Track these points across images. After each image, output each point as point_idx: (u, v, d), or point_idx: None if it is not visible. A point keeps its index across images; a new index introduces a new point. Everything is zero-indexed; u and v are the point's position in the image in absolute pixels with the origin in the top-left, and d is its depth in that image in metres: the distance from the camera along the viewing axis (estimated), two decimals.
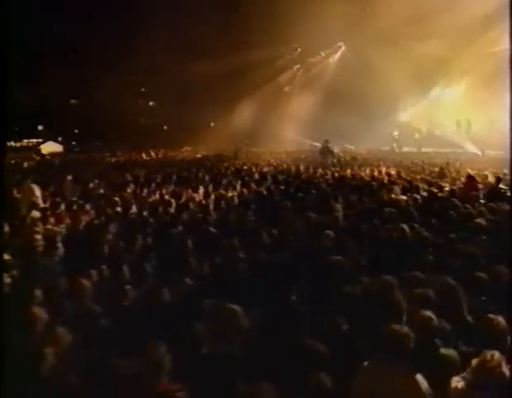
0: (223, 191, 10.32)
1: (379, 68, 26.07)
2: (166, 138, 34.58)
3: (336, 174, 12.68)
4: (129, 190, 11.29)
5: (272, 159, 18.47)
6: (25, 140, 37.32)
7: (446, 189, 9.49)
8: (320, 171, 14.10)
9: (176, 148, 30.31)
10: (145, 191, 11.19)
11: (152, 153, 24.04)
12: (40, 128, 41.18)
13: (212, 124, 37.61)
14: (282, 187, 10.79)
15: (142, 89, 38.13)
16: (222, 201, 9.02)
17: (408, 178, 11.17)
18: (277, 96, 33.83)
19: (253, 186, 11.31)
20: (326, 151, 17.71)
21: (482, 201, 8.88)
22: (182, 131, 33.25)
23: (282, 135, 30.12)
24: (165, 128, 40.34)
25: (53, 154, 29.06)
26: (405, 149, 26.04)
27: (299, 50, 32.61)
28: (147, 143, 29.78)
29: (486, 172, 11.14)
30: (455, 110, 27.55)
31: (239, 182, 11.99)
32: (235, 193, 10.13)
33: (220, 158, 19.61)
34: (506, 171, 10.82)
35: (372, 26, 26.74)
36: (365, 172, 13.36)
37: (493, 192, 8.59)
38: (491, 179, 10.64)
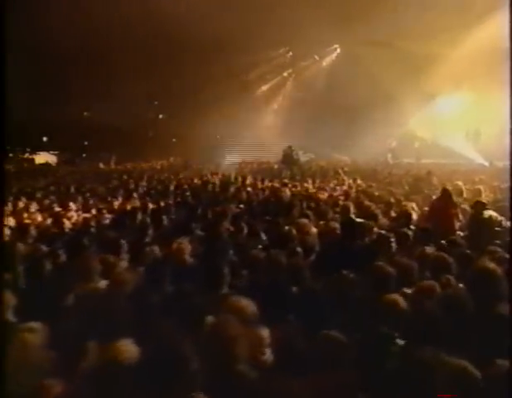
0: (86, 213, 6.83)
1: (378, 72, 22.96)
2: (171, 150, 31.74)
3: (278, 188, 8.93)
4: None
5: (226, 171, 15.00)
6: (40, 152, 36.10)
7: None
8: (268, 183, 10.40)
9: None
10: None
11: (112, 163, 20.92)
12: (44, 139, 39.94)
13: (218, 137, 34.92)
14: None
15: (156, 103, 35.87)
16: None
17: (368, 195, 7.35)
18: (268, 103, 30.71)
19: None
20: (289, 160, 14.04)
21: (461, 233, 5.12)
22: (188, 144, 30.45)
23: (268, 145, 26.94)
24: (174, 140, 38.22)
25: (44, 165, 27.23)
26: (403, 160, 22.12)
27: (290, 53, 29.15)
28: (151, 155, 27.54)
29: (480, 186, 7.16)
30: (462, 118, 23.49)
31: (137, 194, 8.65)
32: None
33: (170, 169, 16.32)
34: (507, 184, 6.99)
35: (369, 26, 23.70)
36: (321, 186, 9.55)
37: (476, 223, 4.76)
38: (486, 195, 6.81)
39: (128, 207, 7.16)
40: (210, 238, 4.77)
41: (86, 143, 37.31)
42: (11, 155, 32.58)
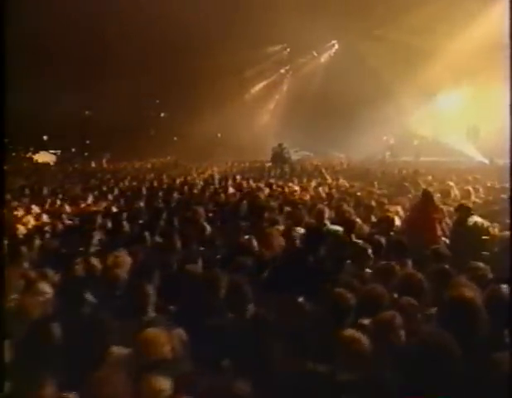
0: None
1: (377, 68, 22.47)
2: (172, 149, 31.27)
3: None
4: None
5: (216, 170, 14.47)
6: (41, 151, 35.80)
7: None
8: (253, 184, 9.83)
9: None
10: None
11: (104, 162, 20.47)
12: (45, 138, 39.67)
13: (219, 135, 34.41)
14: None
15: (157, 101, 35.26)
16: None
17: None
18: (266, 100, 30.15)
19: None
20: (279, 158, 13.48)
21: (447, 241, 4.56)
22: (189, 142, 29.95)
23: (265, 143, 26.36)
24: (175, 139, 37.76)
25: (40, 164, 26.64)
26: (401, 158, 21.43)
27: (288, 50, 28.55)
28: (151, 153, 26.78)
29: (469, 187, 6.54)
30: (462, 115, 22.76)
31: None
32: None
33: (159, 168, 15.85)
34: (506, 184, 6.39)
35: (367, 21, 23.17)
36: (304, 187, 8.94)
37: (458, 232, 4.20)
38: (478, 196, 6.22)
39: (92, 210, 6.65)
40: (160, 249, 4.25)
41: (88, 141, 37.08)
42: (14, 154, 32.73)
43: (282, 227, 4.98)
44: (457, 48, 19.37)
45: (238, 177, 11.18)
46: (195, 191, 8.45)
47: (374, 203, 5.67)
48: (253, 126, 28.36)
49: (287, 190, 7.77)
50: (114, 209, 6.34)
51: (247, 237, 4.20)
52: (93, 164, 19.75)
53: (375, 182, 8.36)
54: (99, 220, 5.71)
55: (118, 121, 27.96)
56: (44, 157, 32.23)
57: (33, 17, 20.21)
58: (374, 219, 5.50)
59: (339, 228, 4.71)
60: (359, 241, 4.45)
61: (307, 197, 6.83)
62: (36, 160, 29.51)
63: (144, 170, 16.11)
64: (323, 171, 10.83)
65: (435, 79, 21.94)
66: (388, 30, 22.97)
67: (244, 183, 9.55)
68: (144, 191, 8.44)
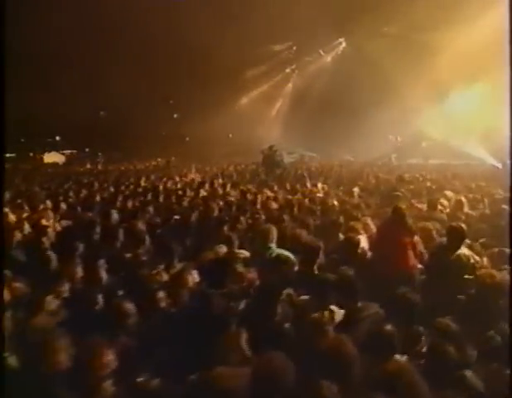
0: None
1: (385, 67, 21.27)
2: (181, 149, 30.81)
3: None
4: None
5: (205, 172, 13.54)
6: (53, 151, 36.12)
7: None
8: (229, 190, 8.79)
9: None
10: None
11: (100, 164, 19.84)
12: (57, 138, 39.70)
13: (230, 136, 33.73)
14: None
15: (171, 102, 34.69)
16: None
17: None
18: (271, 100, 29.37)
19: None
20: (269, 161, 12.48)
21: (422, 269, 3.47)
22: (201, 142, 29.38)
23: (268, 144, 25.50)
24: (187, 139, 37.14)
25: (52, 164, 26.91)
26: (409, 161, 20.23)
27: (294, 48, 27.61)
28: (161, 154, 26.68)
29: (462, 197, 5.36)
30: (474, 116, 21.31)
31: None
32: None
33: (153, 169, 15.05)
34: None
35: (376, 17, 22.14)
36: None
37: (436, 263, 3.09)
38: (471, 209, 5.07)
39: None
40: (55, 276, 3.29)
41: (101, 142, 36.77)
42: (31, 154, 32.93)
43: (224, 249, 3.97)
44: (469, 45, 18.05)
45: (219, 181, 10.15)
46: (161, 199, 7.44)
47: (342, 219, 4.51)
48: (258, 126, 27.59)
49: (259, 197, 6.66)
50: (44, 222, 5.36)
51: (155, 271, 3.17)
52: (88, 165, 19.07)
53: (355, 189, 7.14)
54: (19, 234, 4.79)
55: (131, 122, 27.79)
56: (54, 157, 32.59)
57: (49, 20, 19.83)
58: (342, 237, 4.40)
59: (286, 254, 3.63)
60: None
61: (275, 206, 5.75)
62: (54, 160, 29.49)
63: (133, 172, 15.25)
64: (305, 175, 9.76)
65: (445, 78, 20.74)
66: (396, 27, 22.07)
67: (220, 189, 8.51)
68: (98, 198, 7.43)
